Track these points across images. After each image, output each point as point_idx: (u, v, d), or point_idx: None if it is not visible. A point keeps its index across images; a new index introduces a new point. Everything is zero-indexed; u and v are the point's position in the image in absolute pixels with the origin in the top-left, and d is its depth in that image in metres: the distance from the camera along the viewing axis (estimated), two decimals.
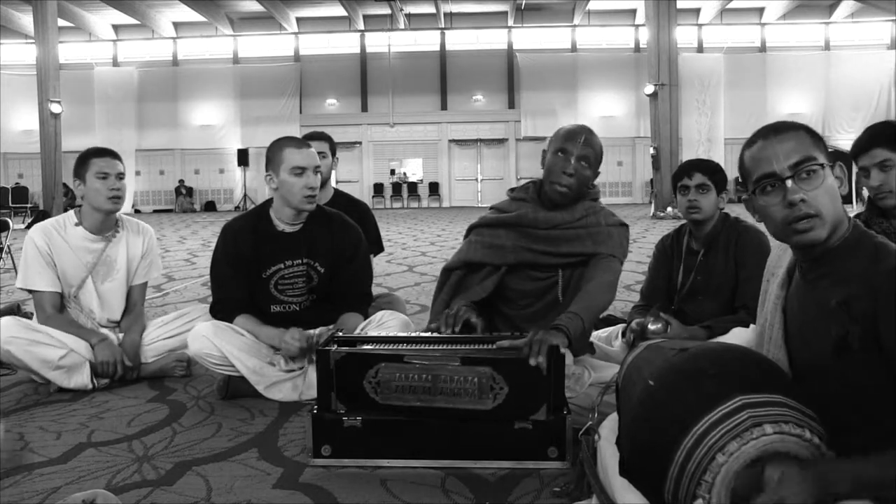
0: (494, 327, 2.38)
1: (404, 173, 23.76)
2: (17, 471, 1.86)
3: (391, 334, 2.31)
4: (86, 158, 2.74)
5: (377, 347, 1.92)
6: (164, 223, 15.72)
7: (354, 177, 23.17)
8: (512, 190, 2.55)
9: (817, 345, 1.31)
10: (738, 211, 2.76)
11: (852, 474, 1.09)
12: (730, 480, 1.15)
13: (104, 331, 2.76)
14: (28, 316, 3.25)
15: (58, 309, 2.74)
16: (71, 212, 2.84)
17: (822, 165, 1.29)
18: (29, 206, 18.84)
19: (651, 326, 2.33)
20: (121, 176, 2.75)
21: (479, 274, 2.45)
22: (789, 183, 1.28)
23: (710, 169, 2.63)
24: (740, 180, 1.41)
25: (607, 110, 22.47)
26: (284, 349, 2.45)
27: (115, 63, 23.96)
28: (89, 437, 2.12)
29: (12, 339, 2.50)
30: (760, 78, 22.14)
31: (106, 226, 2.82)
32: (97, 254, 2.79)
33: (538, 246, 2.36)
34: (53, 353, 2.54)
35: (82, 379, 2.58)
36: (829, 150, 1.38)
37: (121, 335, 2.79)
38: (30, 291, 2.75)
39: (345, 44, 23.70)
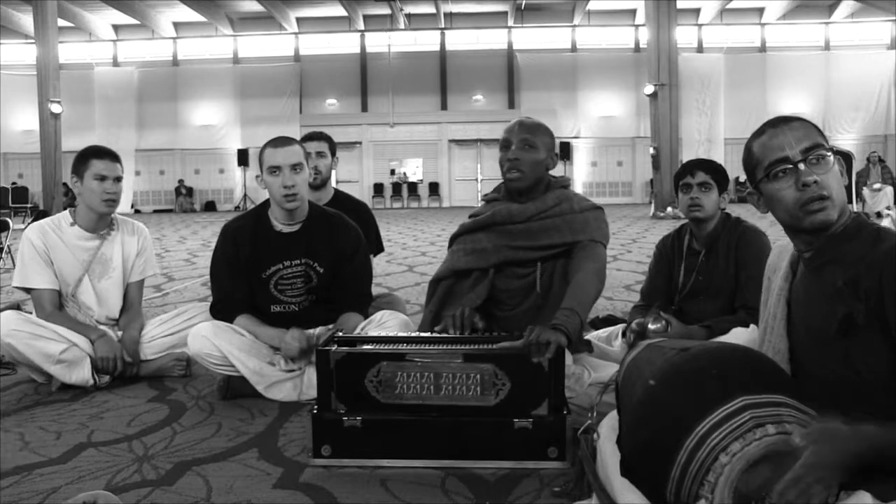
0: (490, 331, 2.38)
1: (404, 173, 23.74)
2: (17, 471, 1.86)
3: (391, 334, 2.31)
4: (86, 158, 2.74)
5: (378, 347, 1.92)
6: (164, 223, 15.71)
7: (354, 177, 23.14)
8: (486, 195, 2.60)
9: (821, 328, 1.34)
10: (740, 211, 2.76)
11: (884, 437, 1.12)
12: (733, 481, 1.15)
13: (103, 328, 2.76)
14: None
15: (57, 307, 2.74)
16: (66, 211, 2.85)
17: (830, 151, 1.36)
18: (29, 206, 18.80)
19: (651, 326, 2.33)
20: (118, 179, 2.76)
21: (468, 280, 2.47)
22: (802, 166, 1.34)
23: (713, 168, 2.65)
24: (741, 178, 1.44)
25: (607, 110, 22.46)
26: (284, 350, 2.45)
27: (115, 63, 23.94)
28: (89, 437, 2.12)
29: (14, 333, 2.51)
30: (760, 78, 22.13)
31: (101, 224, 2.83)
32: (92, 252, 2.80)
33: (518, 242, 2.39)
34: (54, 347, 2.54)
35: (83, 374, 2.58)
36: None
37: (119, 333, 2.79)
38: (28, 290, 2.75)
39: (345, 44, 23.68)
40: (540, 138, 2.38)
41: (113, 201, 2.75)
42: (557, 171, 2.55)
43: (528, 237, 2.38)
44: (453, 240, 2.58)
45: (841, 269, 1.32)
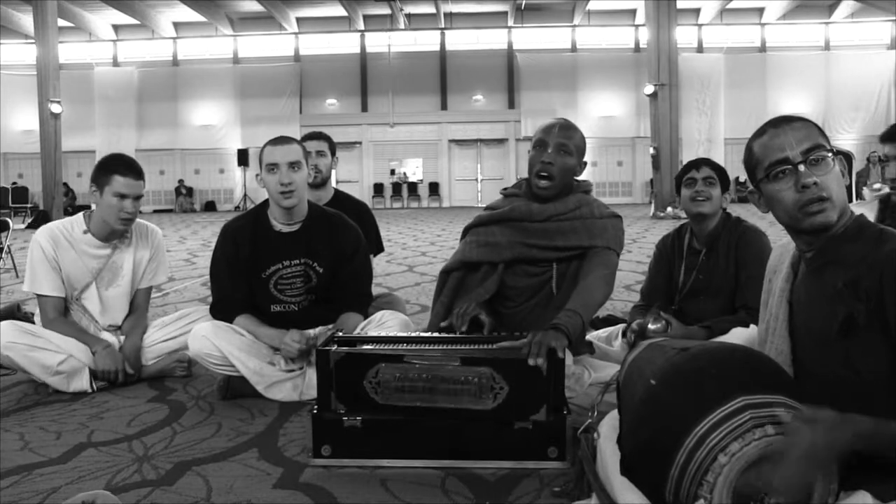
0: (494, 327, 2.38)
1: (404, 173, 23.74)
2: (17, 471, 1.86)
3: (391, 334, 2.31)
4: (109, 171, 2.64)
5: (377, 347, 1.92)
6: (164, 223, 15.70)
7: (354, 177, 23.15)
8: (505, 189, 2.57)
9: (822, 329, 1.34)
10: (740, 211, 2.78)
11: (873, 426, 1.13)
12: (731, 481, 1.15)
13: (106, 335, 2.74)
14: (28, 315, 3.24)
15: (61, 313, 2.72)
16: (80, 216, 2.79)
17: (830, 152, 1.35)
18: (29, 206, 18.82)
19: (651, 326, 2.33)
20: (139, 198, 2.68)
21: (478, 274, 2.45)
22: (802, 167, 1.34)
23: (715, 166, 2.67)
24: (741, 178, 1.44)
25: (607, 110, 22.46)
26: (284, 350, 2.45)
27: (115, 63, 23.94)
28: (89, 437, 2.12)
29: (11, 345, 2.49)
30: (760, 78, 22.13)
31: (114, 234, 2.77)
32: (103, 260, 2.76)
33: (533, 240, 2.37)
34: (52, 358, 2.52)
35: (81, 384, 2.57)
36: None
37: (122, 337, 2.77)
38: (35, 294, 2.74)
39: (345, 44, 23.68)
40: (575, 143, 2.37)
41: (130, 220, 2.70)
42: None
43: (543, 236, 2.37)
44: (467, 230, 2.57)
45: (842, 270, 1.32)
